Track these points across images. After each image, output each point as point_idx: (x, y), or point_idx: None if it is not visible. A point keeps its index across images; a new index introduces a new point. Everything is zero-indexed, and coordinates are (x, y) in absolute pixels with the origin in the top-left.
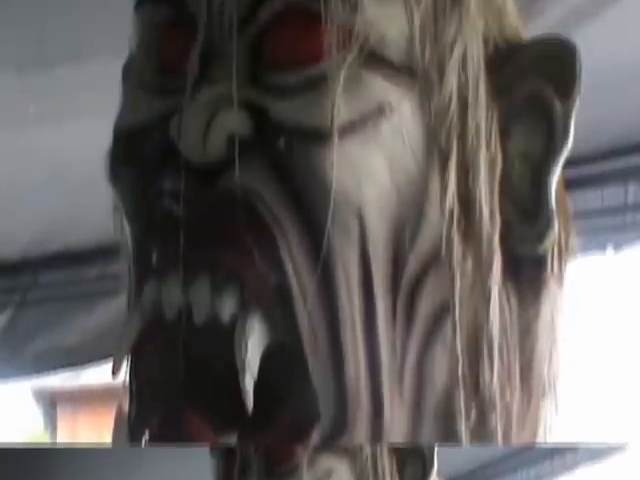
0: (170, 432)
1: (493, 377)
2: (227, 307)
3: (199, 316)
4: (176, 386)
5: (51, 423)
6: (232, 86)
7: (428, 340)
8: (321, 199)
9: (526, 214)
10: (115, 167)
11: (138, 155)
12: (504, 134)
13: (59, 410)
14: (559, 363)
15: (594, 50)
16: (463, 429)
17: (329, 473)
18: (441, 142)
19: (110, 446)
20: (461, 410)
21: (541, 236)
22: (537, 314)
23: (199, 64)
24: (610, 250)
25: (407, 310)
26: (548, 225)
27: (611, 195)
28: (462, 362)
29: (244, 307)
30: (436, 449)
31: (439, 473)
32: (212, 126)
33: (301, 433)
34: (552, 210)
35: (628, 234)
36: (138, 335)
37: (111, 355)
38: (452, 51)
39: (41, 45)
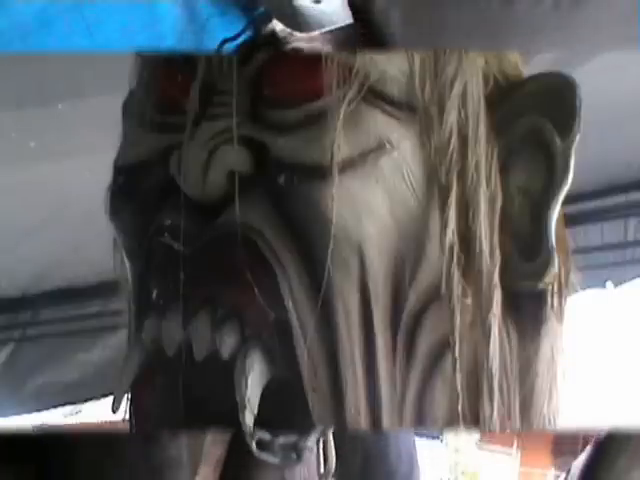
0: None
1: (493, 413)
2: (227, 343)
3: (199, 352)
4: (176, 422)
5: None
6: (232, 123)
7: (428, 375)
8: (321, 235)
9: (526, 250)
10: (115, 203)
11: (138, 191)
12: (504, 170)
13: None
14: (559, 399)
15: (594, 86)
16: None
17: None
18: (441, 178)
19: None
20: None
21: (541, 272)
22: (537, 350)
23: (198, 101)
24: (610, 285)
25: (407, 345)
26: (548, 261)
27: (611, 231)
28: (462, 397)
29: (244, 343)
30: None
31: None
32: (212, 163)
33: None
34: (552, 246)
35: (628, 270)
36: (138, 371)
37: (111, 391)
38: (452, 88)
39: (41, 81)
